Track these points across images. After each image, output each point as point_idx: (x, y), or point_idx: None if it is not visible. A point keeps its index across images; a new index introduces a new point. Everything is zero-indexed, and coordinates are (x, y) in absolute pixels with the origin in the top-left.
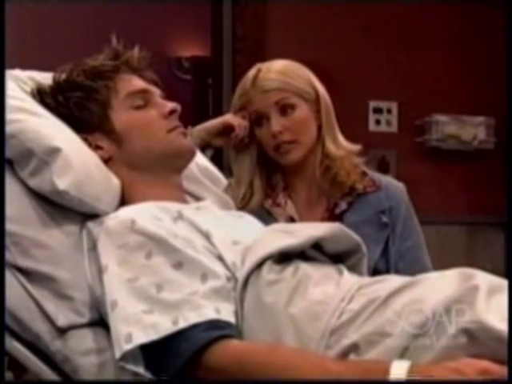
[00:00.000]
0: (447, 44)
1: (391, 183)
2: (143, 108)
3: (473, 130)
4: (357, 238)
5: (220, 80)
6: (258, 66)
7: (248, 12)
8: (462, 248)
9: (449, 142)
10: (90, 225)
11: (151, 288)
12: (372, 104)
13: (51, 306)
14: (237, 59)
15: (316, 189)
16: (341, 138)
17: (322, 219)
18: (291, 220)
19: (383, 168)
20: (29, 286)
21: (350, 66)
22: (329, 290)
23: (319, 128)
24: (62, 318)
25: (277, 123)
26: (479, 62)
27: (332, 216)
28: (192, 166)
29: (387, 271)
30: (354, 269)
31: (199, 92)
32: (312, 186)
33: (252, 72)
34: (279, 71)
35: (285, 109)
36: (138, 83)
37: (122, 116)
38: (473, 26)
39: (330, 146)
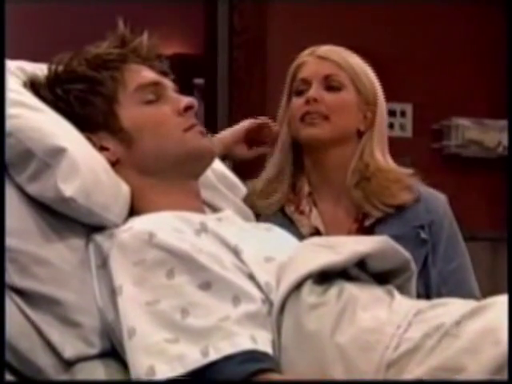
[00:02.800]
0: (468, 40)
1: (431, 194)
2: (155, 103)
3: (497, 136)
4: (406, 254)
5: (213, 80)
6: None
7: (247, 2)
8: (485, 266)
9: (470, 148)
10: (98, 238)
11: (175, 312)
12: None
13: (56, 334)
14: (234, 56)
15: (345, 199)
16: (389, 158)
17: (350, 232)
18: (316, 231)
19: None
20: (28, 311)
21: None
22: (381, 315)
23: (359, 134)
24: (69, 348)
25: (316, 92)
26: (503, 61)
27: (361, 228)
28: (207, 172)
29: (427, 296)
30: (401, 290)
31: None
32: (341, 196)
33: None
34: (343, 50)
35: (331, 87)
36: (148, 75)
37: (130, 112)
38: (496, 23)
39: (379, 158)
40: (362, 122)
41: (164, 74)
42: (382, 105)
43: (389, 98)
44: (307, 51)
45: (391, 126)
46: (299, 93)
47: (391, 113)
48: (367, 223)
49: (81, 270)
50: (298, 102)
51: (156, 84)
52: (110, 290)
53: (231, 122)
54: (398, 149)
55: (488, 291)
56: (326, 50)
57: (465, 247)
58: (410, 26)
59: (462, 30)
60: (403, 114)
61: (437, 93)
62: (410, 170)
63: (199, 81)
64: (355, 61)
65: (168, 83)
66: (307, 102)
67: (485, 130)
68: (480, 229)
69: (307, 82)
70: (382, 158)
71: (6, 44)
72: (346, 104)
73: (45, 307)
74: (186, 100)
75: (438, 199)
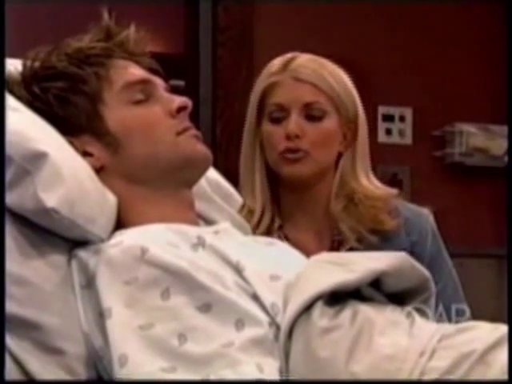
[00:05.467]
0: (472, 41)
1: (413, 212)
2: (144, 103)
3: (503, 143)
4: (425, 271)
5: (195, 81)
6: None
7: None
8: (489, 285)
9: (474, 156)
10: (82, 254)
11: (171, 338)
12: (381, 110)
13: (35, 362)
14: (218, 55)
15: (325, 228)
16: (373, 178)
17: None
18: None
19: (394, 188)
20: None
21: (355, 63)
22: (400, 340)
23: (339, 156)
24: (50, 378)
25: (297, 125)
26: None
27: None
28: (201, 180)
29: None
30: (418, 312)
31: None
32: (320, 225)
33: (281, 58)
34: (319, 63)
35: (312, 117)
36: (136, 71)
37: (117, 113)
38: (499, 23)
39: (365, 183)
40: (343, 143)
41: (153, 71)
42: (363, 119)
43: (387, 101)
44: (276, 66)
45: (389, 132)
46: (275, 120)
47: (389, 118)
48: (344, 250)
49: (63, 291)
50: (276, 132)
51: (145, 82)
52: (97, 313)
53: (215, 127)
54: (396, 157)
55: (492, 312)
56: (301, 67)
57: (451, 265)
58: (409, 25)
59: (464, 29)
60: (402, 118)
61: (438, 96)
62: (395, 191)
63: (178, 82)
64: (333, 77)
65: (158, 81)
66: (287, 137)
67: (490, 137)
68: (485, 244)
69: (284, 109)
70: (367, 181)
71: (5, 44)
72: (329, 134)
73: (23, 332)
74: (178, 100)
75: (420, 216)
